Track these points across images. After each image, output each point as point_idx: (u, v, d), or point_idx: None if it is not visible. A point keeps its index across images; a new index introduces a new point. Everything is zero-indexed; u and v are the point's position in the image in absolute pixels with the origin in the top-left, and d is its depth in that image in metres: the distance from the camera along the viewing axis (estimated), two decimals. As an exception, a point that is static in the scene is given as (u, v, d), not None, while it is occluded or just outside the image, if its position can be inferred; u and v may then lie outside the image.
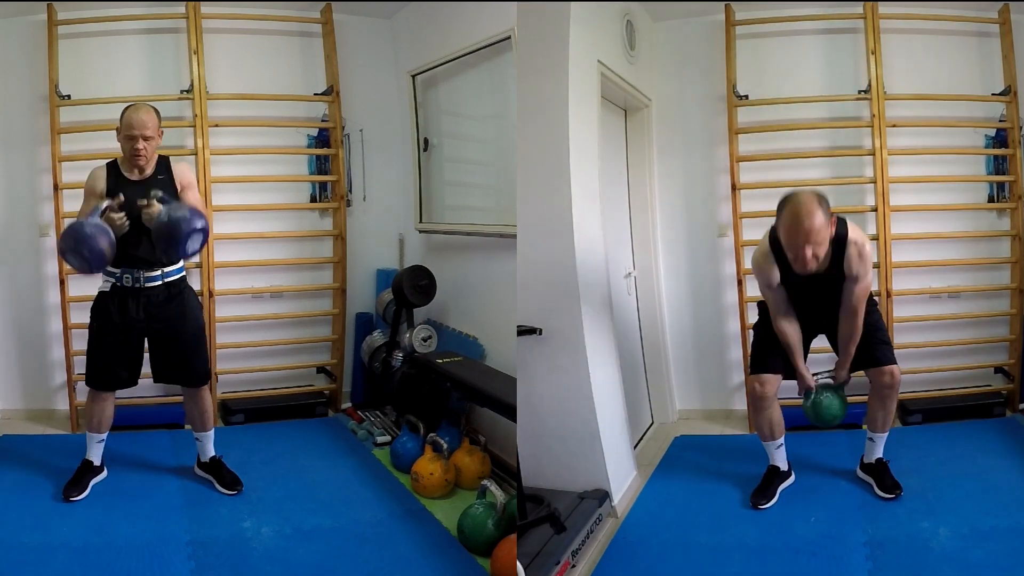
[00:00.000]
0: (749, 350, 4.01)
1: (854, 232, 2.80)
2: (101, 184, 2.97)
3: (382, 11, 4.55)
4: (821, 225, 2.61)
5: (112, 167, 3.01)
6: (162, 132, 3.04)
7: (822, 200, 2.65)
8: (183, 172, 3.08)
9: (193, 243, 2.78)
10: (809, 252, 2.64)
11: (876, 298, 3.95)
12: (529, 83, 3.07)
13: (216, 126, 4.12)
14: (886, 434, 3.13)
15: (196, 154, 4.05)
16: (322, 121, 4.40)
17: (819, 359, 3.26)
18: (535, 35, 3.07)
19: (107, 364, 3.09)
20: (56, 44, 3.92)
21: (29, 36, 3.97)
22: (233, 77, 4.23)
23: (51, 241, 4.03)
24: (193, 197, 3.03)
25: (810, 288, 2.90)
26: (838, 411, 3.02)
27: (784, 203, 2.69)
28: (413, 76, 4.26)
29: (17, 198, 4.09)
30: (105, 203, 2.81)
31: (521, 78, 3.10)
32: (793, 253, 2.69)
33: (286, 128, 4.38)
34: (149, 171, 3.00)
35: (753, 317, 3.37)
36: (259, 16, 4.31)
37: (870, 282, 2.90)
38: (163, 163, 3.05)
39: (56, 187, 3.92)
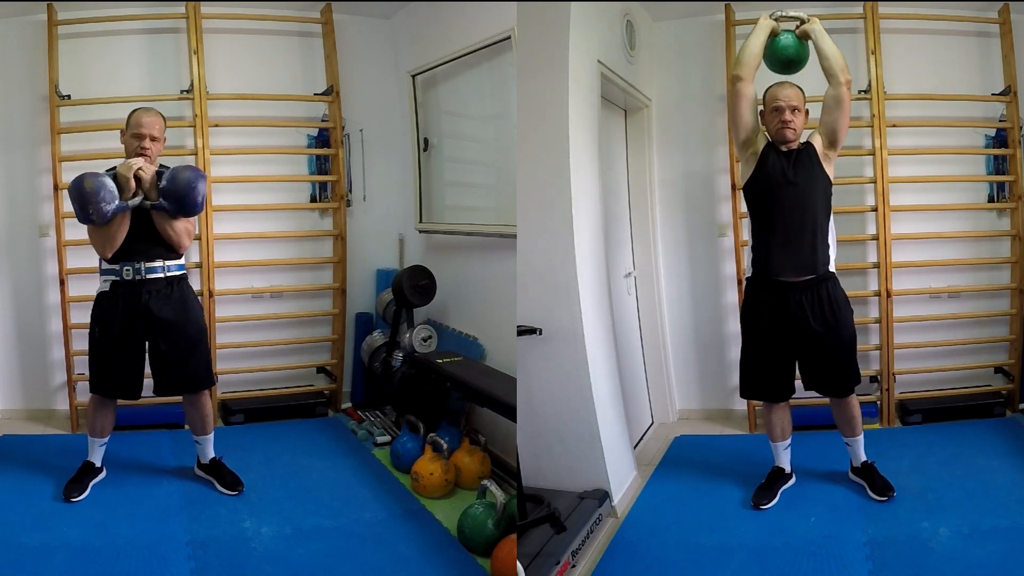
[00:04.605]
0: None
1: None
2: None
3: (382, 11, 4.55)
4: (797, 95, 2.91)
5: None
6: (165, 138, 3.08)
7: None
8: None
9: (202, 188, 2.93)
10: (788, 114, 2.87)
11: (876, 297, 3.99)
12: (529, 83, 3.07)
13: (216, 126, 4.12)
14: (860, 437, 3.15)
15: (196, 154, 4.05)
16: (322, 121, 4.40)
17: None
18: (535, 35, 3.07)
19: (109, 370, 3.09)
20: (56, 44, 3.93)
21: (29, 36, 3.97)
22: (233, 77, 4.23)
23: (51, 241, 4.03)
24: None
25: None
26: (794, 53, 2.93)
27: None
28: (413, 76, 4.26)
29: (17, 198, 4.09)
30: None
31: (521, 78, 3.10)
32: (776, 118, 2.90)
33: (286, 128, 4.38)
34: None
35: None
36: (259, 16, 4.31)
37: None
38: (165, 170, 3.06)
39: (56, 187, 3.92)
